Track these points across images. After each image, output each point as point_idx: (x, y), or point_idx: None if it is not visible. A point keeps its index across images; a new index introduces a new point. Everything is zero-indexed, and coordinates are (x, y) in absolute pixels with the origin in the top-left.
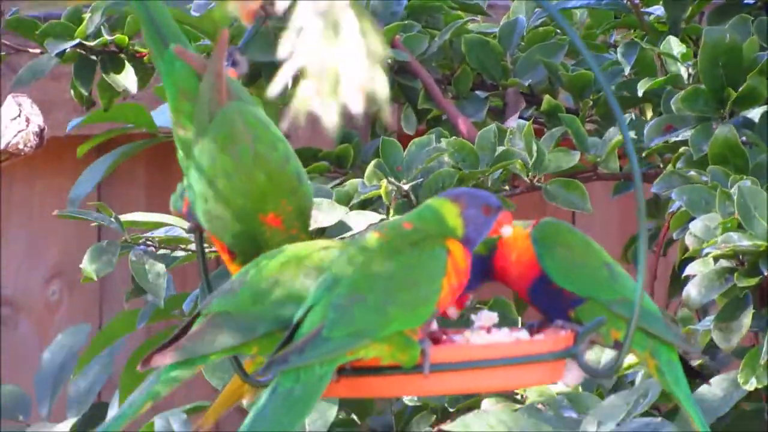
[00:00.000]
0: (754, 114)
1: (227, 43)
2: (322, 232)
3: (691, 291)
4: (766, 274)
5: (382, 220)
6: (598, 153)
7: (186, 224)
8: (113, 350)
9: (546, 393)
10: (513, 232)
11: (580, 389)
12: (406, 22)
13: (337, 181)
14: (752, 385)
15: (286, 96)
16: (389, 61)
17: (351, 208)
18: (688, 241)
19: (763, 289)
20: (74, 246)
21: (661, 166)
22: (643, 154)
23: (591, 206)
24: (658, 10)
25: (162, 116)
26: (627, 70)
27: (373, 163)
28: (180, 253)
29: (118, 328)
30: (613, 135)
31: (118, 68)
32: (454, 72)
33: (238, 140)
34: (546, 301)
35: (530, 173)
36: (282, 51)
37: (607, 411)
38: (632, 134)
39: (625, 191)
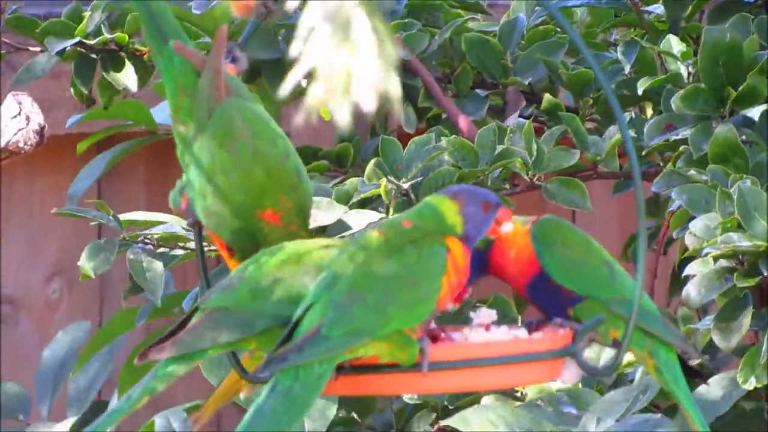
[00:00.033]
0: (754, 113)
1: (226, 39)
2: (321, 231)
3: (691, 291)
4: (765, 274)
5: (381, 218)
6: (598, 151)
7: (185, 222)
8: (113, 348)
9: (546, 390)
10: (512, 228)
11: (580, 386)
12: (406, 20)
13: (337, 180)
14: (751, 384)
15: (288, 94)
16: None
17: (350, 207)
18: (688, 240)
19: (763, 290)
20: (74, 244)
21: (661, 164)
22: (643, 153)
23: (591, 205)
24: (658, 8)
25: (161, 113)
26: (627, 69)
27: (372, 161)
28: (179, 252)
29: (118, 325)
30: (613, 133)
31: (118, 67)
32: (454, 70)
33: (237, 136)
34: (545, 299)
35: (530, 172)
36: (293, 50)
37: (607, 407)
38: (632, 133)
39: (625, 190)
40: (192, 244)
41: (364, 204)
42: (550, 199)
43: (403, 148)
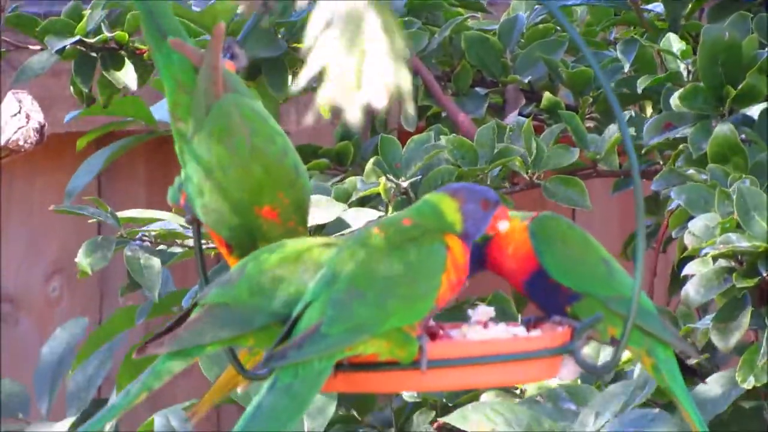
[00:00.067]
0: (754, 112)
1: (223, 35)
2: (320, 229)
3: (690, 291)
4: (765, 275)
5: (380, 216)
6: (597, 150)
7: (183, 219)
8: (112, 346)
9: (545, 386)
10: (510, 224)
11: (579, 382)
12: (406, 18)
13: (337, 179)
14: (750, 383)
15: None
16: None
17: (350, 206)
18: (687, 240)
19: (762, 290)
20: (74, 243)
21: (661, 163)
22: (643, 152)
23: (590, 203)
24: (657, 7)
25: (161, 111)
26: (626, 67)
27: (372, 160)
28: (177, 249)
29: (117, 324)
30: (613, 132)
31: (118, 65)
32: (454, 69)
33: (235, 133)
34: (543, 296)
35: (530, 170)
36: (304, 48)
37: (605, 402)
38: (632, 131)
39: (625, 188)
40: (190, 242)
41: (363, 202)
42: (549, 198)
43: (403, 147)
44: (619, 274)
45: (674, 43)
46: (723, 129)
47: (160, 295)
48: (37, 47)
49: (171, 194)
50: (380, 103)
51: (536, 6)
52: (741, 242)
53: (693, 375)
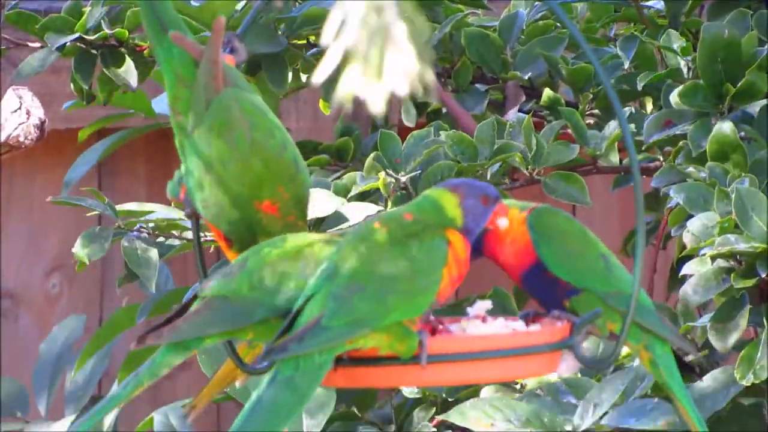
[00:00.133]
0: (753, 109)
1: (223, 30)
2: (320, 223)
3: (688, 290)
4: (763, 275)
5: (379, 211)
6: (597, 146)
7: (183, 212)
8: (111, 344)
9: (545, 380)
10: (509, 215)
11: (579, 375)
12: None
13: (337, 174)
14: (749, 380)
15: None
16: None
17: (349, 200)
18: (686, 239)
19: (761, 289)
20: (74, 239)
21: (661, 159)
22: (643, 148)
23: (590, 200)
24: (657, 3)
25: (161, 104)
26: (626, 64)
27: (371, 155)
28: (175, 242)
29: (118, 323)
30: (613, 128)
31: (119, 62)
32: (454, 65)
33: (234, 127)
34: (541, 290)
35: (530, 166)
36: (325, 37)
37: (603, 393)
38: (632, 127)
39: (625, 185)
40: (189, 234)
41: (362, 197)
42: (549, 194)
43: (403, 143)
44: (617, 269)
45: (674, 39)
46: (723, 126)
47: (159, 289)
48: (37, 44)
49: (170, 188)
50: (403, 91)
51: (536, 3)
52: (739, 243)
53: (691, 372)
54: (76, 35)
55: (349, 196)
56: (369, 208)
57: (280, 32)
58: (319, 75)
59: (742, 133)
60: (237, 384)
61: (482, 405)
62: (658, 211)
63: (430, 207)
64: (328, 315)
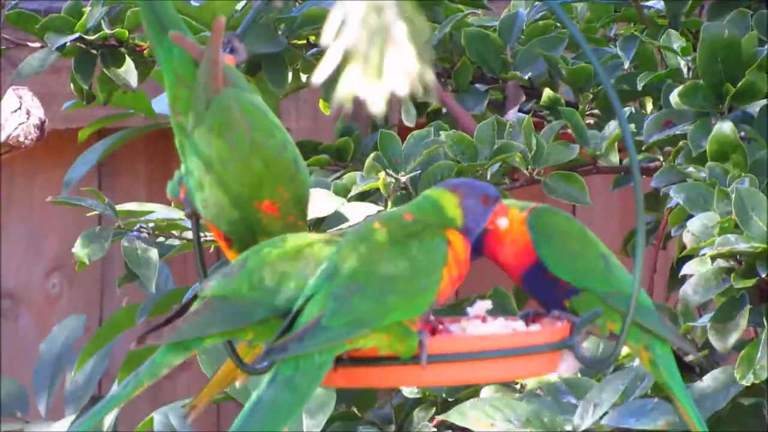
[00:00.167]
0: (753, 109)
1: (223, 29)
2: (320, 223)
3: (688, 291)
4: (763, 275)
5: (379, 211)
6: (597, 146)
7: (183, 212)
8: (111, 344)
9: (545, 380)
10: (509, 215)
11: (579, 375)
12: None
13: (337, 175)
14: (749, 380)
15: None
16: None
17: (349, 200)
18: (686, 239)
19: (761, 289)
20: (74, 239)
21: (661, 159)
22: (643, 148)
23: (590, 200)
24: (657, 3)
25: (161, 104)
26: (626, 64)
27: (371, 155)
28: (175, 242)
29: (118, 323)
30: (613, 128)
31: (119, 62)
32: (454, 65)
33: (234, 127)
34: (541, 289)
35: (530, 166)
36: (325, 36)
37: (603, 393)
38: (632, 127)
39: (625, 185)
40: (189, 234)
41: (362, 197)
42: (549, 194)
43: (403, 143)
44: (617, 269)
45: (674, 39)
46: (723, 127)
47: (159, 290)
48: (37, 44)
49: (170, 188)
50: (403, 91)
51: (536, 3)
52: (739, 243)
53: (691, 372)
54: (76, 35)
55: (349, 196)
56: (369, 208)
57: (280, 32)
58: (320, 75)
59: (742, 133)
60: (237, 384)
61: (482, 405)
62: (658, 211)
63: (430, 207)
64: (328, 315)
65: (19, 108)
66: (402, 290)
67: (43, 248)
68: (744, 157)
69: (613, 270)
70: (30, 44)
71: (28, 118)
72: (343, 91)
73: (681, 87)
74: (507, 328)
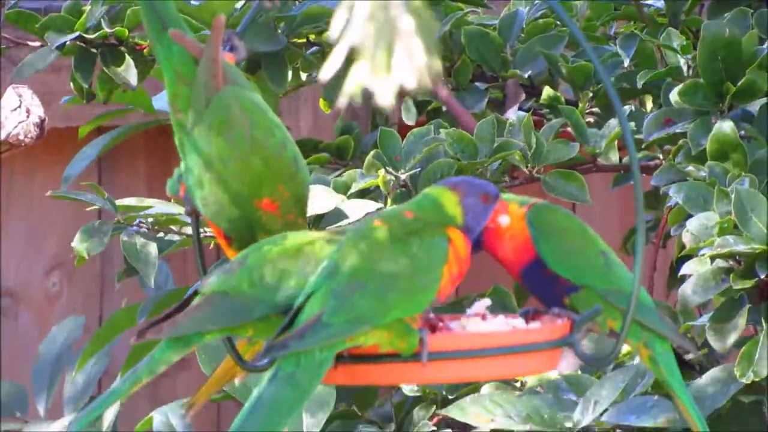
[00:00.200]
0: (753, 108)
1: (223, 27)
2: (319, 220)
3: (688, 291)
4: (762, 276)
5: (379, 208)
6: (597, 144)
7: (183, 208)
8: (111, 344)
9: (545, 377)
10: (508, 211)
11: (579, 372)
12: None
13: (337, 173)
14: (749, 378)
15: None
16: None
17: (349, 198)
18: (685, 238)
19: (761, 290)
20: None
21: (661, 157)
22: (643, 146)
23: (590, 198)
24: (657, 1)
25: (161, 102)
26: (626, 62)
27: (371, 153)
28: (175, 237)
29: (119, 323)
30: (613, 127)
31: (118, 61)
32: (454, 63)
33: (234, 125)
34: (541, 286)
35: (529, 164)
36: (333, 32)
37: (603, 390)
38: (632, 126)
39: (625, 183)
40: (188, 229)
41: (362, 195)
42: (549, 192)
43: (403, 141)
44: (617, 266)
45: (674, 38)
46: (723, 125)
47: (159, 287)
48: (37, 43)
49: (170, 185)
50: (411, 84)
51: (536, 1)
52: (738, 245)
53: (691, 370)
54: (76, 34)
55: (349, 193)
56: (369, 205)
57: (279, 31)
58: (327, 71)
59: (742, 132)
60: (236, 381)
61: (482, 400)
62: (658, 210)
63: (430, 205)
64: (328, 312)
65: (19, 106)
66: (403, 288)
67: (42, 246)
68: (744, 156)
69: (613, 267)
70: (30, 43)
71: (27, 117)
72: (352, 86)
73: (681, 85)
74: (507, 326)
